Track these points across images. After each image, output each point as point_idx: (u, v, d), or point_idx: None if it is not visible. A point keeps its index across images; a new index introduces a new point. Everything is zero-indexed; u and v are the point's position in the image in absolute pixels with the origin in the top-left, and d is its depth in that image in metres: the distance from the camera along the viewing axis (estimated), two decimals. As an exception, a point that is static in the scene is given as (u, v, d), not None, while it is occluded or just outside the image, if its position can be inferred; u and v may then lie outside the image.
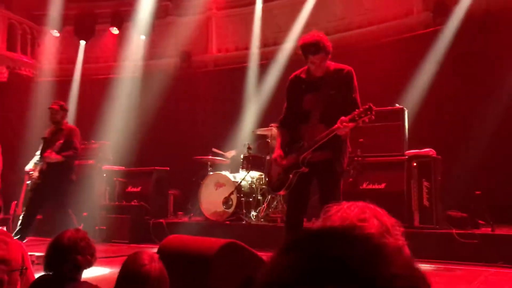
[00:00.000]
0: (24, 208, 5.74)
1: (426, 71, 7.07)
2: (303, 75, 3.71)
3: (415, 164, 5.59)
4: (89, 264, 2.18)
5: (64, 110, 5.92)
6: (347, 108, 3.45)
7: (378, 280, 0.53)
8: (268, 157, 6.48)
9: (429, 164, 5.57)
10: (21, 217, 5.64)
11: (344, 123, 3.33)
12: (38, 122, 8.97)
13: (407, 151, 5.80)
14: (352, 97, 3.57)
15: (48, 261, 2.14)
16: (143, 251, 2.01)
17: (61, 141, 5.54)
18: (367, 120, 3.35)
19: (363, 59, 7.65)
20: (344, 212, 1.31)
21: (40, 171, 5.63)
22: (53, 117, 5.82)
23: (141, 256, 1.94)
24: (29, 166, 5.91)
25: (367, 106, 3.35)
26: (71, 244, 2.12)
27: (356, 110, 3.37)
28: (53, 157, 5.51)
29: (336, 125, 3.37)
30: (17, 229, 5.55)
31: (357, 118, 3.34)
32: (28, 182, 6.29)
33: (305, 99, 3.65)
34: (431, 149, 5.74)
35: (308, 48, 3.49)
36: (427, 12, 7.92)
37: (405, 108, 6.05)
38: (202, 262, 2.36)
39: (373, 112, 3.33)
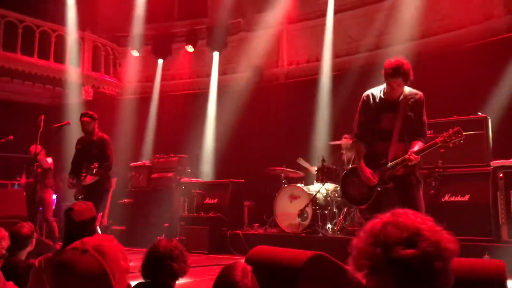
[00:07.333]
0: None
1: (511, 76, 6.70)
2: (381, 94, 3.92)
3: (501, 174, 5.32)
4: (183, 272, 2.28)
5: (95, 119, 5.95)
6: (418, 130, 3.84)
7: None
8: (343, 170, 6.43)
9: (517, 175, 5.28)
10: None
11: (413, 155, 3.64)
12: (123, 137, 9.52)
13: (492, 161, 5.53)
14: (422, 119, 3.89)
15: (146, 270, 2.26)
16: (236, 265, 2.04)
17: (95, 165, 5.55)
18: (457, 143, 3.70)
19: (441, 66, 7.43)
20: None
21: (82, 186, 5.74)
22: (86, 128, 5.90)
23: (235, 272, 1.97)
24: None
25: (455, 130, 3.68)
26: (167, 253, 2.23)
27: (445, 133, 3.72)
28: (89, 180, 5.63)
29: (408, 157, 3.66)
30: None
31: (447, 141, 3.69)
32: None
33: (384, 118, 3.89)
34: (518, 158, 5.43)
35: (387, 71, 3.72)
36: (509, 15, 7.54)
37: (488, 117, 5.78)
38: (290, 272, 2.40)
39: (463, 135, 3.68)
